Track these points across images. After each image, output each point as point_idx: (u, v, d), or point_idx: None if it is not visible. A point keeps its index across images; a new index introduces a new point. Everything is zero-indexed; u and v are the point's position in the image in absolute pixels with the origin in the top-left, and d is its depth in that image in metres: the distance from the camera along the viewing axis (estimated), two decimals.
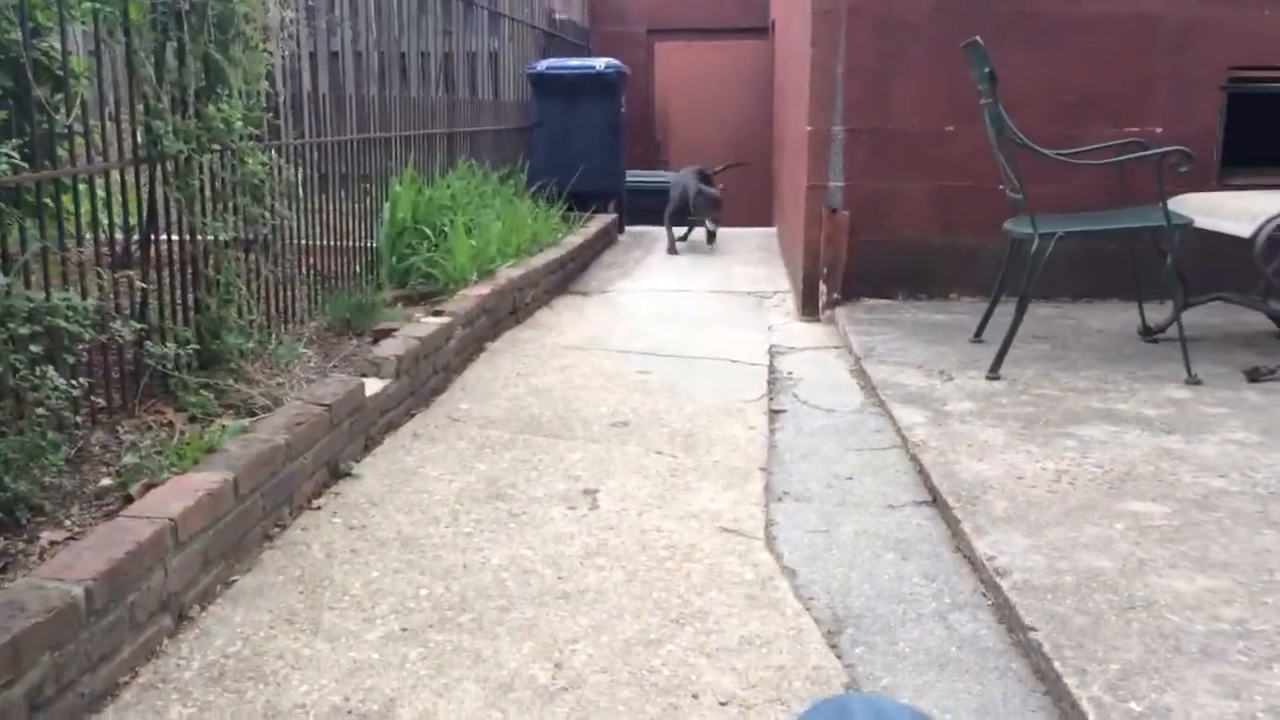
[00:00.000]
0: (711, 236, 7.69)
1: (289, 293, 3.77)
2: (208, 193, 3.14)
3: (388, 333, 3.75)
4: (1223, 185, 4.69)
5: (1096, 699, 1.77)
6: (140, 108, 2.89)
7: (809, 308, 5.12)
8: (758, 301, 5.64)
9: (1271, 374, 3.59)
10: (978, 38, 3.69)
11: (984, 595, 2.29)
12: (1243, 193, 4.14)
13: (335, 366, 3.46)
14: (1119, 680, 1.83)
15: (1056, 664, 1.89)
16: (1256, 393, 3.48)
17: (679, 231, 7.70)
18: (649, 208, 8.92)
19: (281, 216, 3.66)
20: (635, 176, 8.91)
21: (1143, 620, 2.03)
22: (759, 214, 9.33)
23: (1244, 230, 3.57)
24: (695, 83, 11.01)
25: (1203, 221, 3.76)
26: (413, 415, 3.50)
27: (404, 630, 2.11)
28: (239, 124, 3.16)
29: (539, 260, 5.43)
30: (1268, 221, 3.53)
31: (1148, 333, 4.20)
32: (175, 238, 3.06)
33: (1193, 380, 3.57)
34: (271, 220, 3.50)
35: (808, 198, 5.08)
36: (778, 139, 8.59)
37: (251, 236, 3.42)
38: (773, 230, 8.57)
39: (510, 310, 4.79)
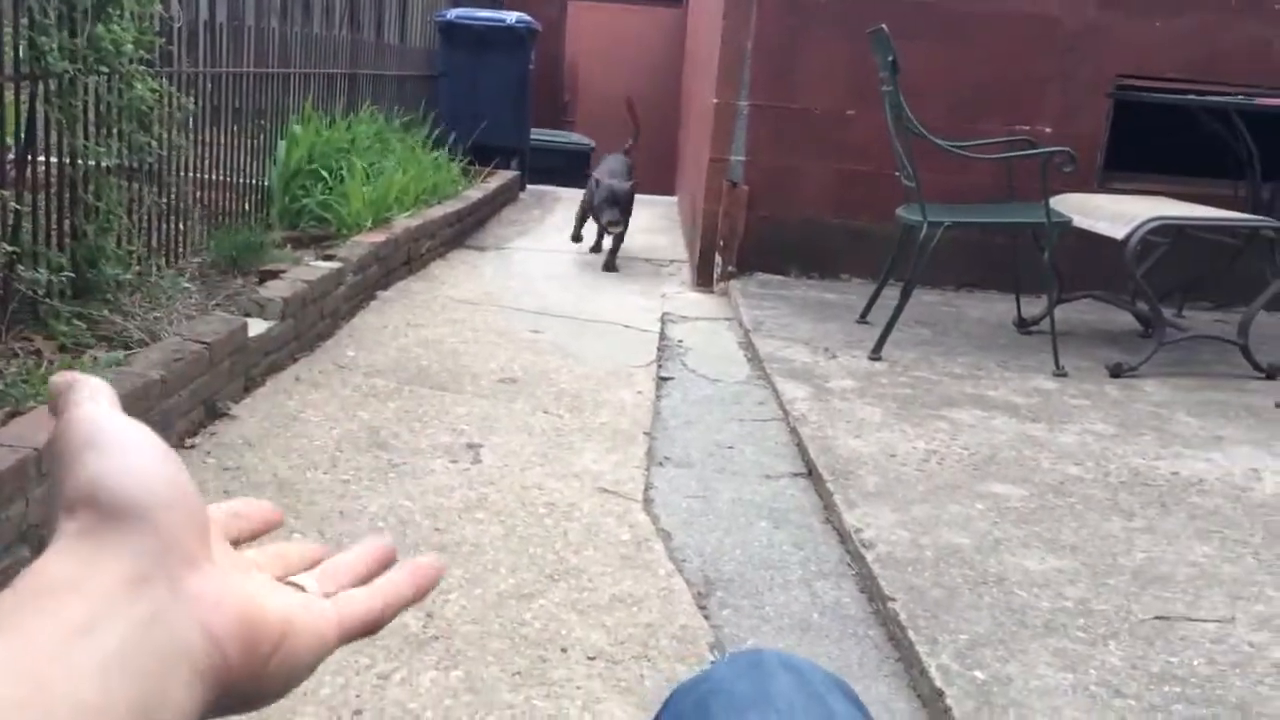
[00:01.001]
0: (605, 249, 5.57)
1: (173, 226, 3.65)
2: (92, 116, 3.02)
3: (275, 274, 3.66)
4: (1104, 188, 4.89)
5: (944, 666, 1.86)
6: (25, 21, 2.75)
7: (704, 278, 5.18)
8: (654, 269, 5.68)
9: (1133, 371, 3.78)
10: (883, 25, 3.77)
11: (849, 565, 2.37)
12: (1120, 196, 4.34)
13: (218, 304, 3.38)
14: (967, 650, 1.92)
15: (910, 632, 1.98)
16: (1117, 388, 3.66)
17: (589, 239, 5.79)
18: (552, 167, 8.87)
19: (177, 146, 3.54)
20: (540, 135, 8.85)
21: (994, 595, 2.14)
22: (662, 183, 9.36)
23: (1118, 233, 3.74)
24: (607, 46, 10.95)
25: (1081, 221, 3.93)
26: (297, 359, 3.44)
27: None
28: (129, 47, 3.04)
29: (437, 212, 5.36)
30: (1140, 226, 3.70)
31: (1022, 325, 4.38)
32: (55, 160, 2.93)
33: (1060, 372, 3.74)
34: (158, 149, 3.38)
35: (709, 170, 5.12)
36: (685, 110, 8.62)
37: (136, 164, 3.30)
38: (675, 200, 8.61)
39: (404, 260, 4.73)
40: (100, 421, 0.38)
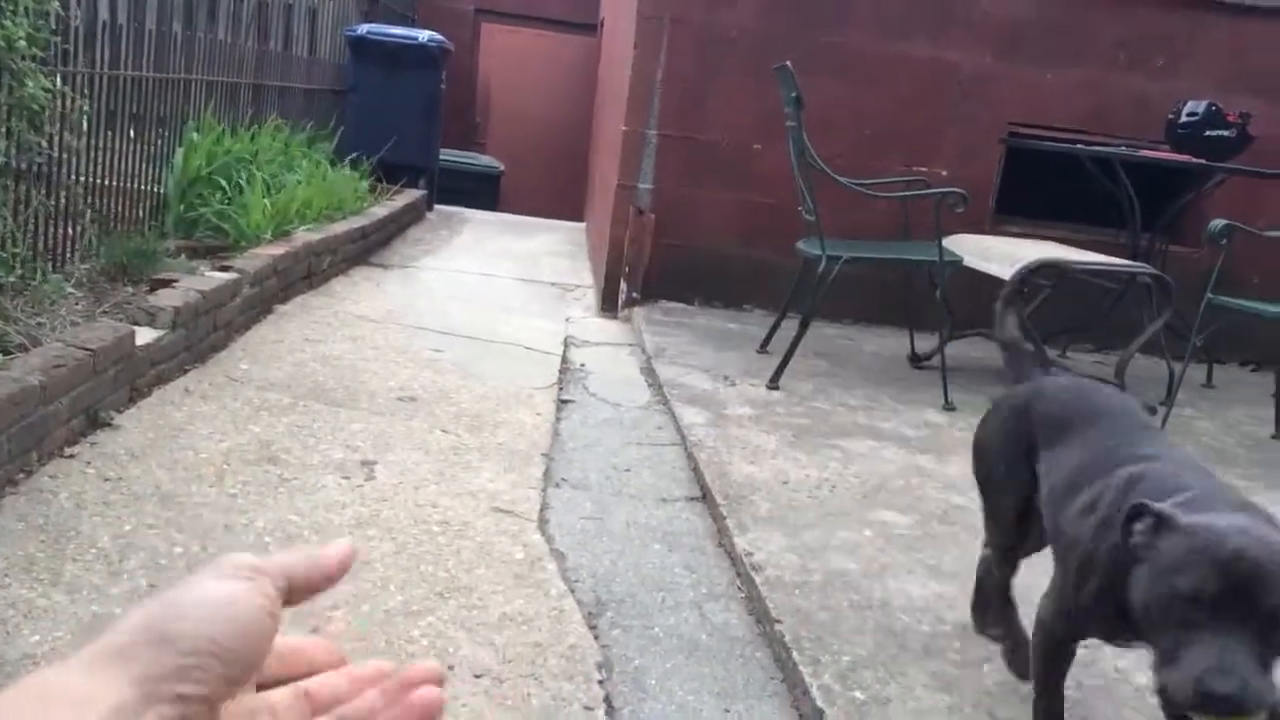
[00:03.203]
0: None
1: (62, 229, 3.54)
2: None
3: (168, 283, 3.57)
4: (995, 230, 5.07)
5: (826, 687, 1.90)
6: None
7: (609, 304, 5.21)
8: (560, 293, 5.69)
9: None
10: (788, 62, 3.86)
11: (739, 588, 2.40)
12: (1010, 239, 4.51)
13: (106, 312, 3.28)
14: (849, 671, 1.97)
15: (795, 654, 2.01)
16: None
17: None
18: (461, 188, 8.84)
19: (70, 148, 3.44)
20: (450, 156, 8.81)
21: (877, 618, 2.19)
22: (572, 208, 9.40)
23: (1005, 273, 3.88)
24: (520, 69, 10.97)
25: (971, 261, 4.06)
26: (187, 370, 3.36)
27: (152, 586, 2.03)
28: (22, 43, 2.95)
29: (340, 227, 5.29)
30: (1026, 267, 3.84)
31: (915, 359, 4.50)
32: None
33: (949, 406, 3.86)
34: (49, 150, 3.28)
35: (617, 196, 5.16)
36: (595, 136, 8.68)
37: (25, 165, 3.19)
38: (584, 225, 8.65)
39: (304, 275, 4.65)
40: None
